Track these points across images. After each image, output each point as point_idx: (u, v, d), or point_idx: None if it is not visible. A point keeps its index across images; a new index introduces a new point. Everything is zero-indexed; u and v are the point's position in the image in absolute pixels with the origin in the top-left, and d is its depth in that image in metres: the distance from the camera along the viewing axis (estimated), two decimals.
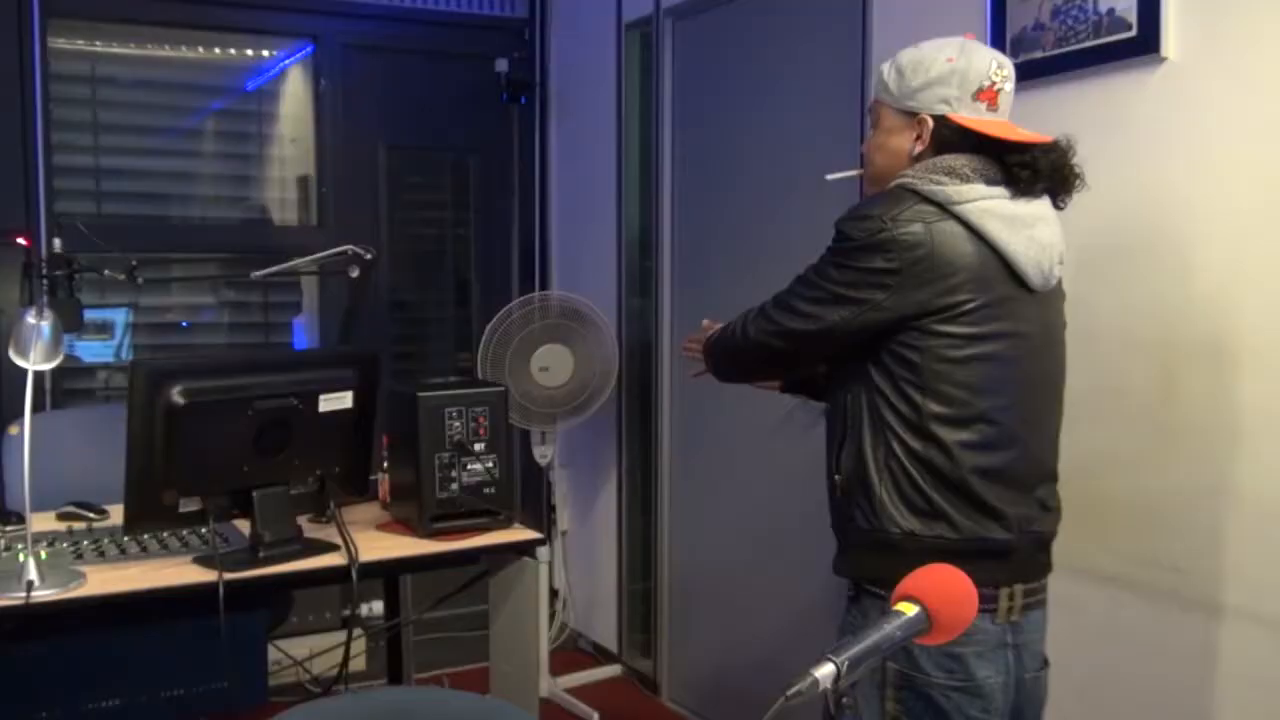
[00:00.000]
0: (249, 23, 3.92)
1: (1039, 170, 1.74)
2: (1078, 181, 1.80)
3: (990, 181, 1.73)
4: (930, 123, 1.77)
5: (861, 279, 1.71)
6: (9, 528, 2.40)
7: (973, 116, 1.75)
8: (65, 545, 2.24)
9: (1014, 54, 2.40)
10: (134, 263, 2.42)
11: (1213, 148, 2.06)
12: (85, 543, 2.26)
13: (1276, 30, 1.95)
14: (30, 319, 2.05)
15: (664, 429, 3.75)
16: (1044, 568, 1.84)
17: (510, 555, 2.35)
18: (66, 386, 3.71)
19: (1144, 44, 2.15)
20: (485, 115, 4.19)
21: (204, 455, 2.08)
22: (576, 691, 3.81)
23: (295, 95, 4.20)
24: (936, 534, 1.70)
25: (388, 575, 2.20)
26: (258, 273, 2.36)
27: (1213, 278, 2.07)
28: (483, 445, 2.33)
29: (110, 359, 3.87)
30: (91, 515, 2.47)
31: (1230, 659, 2.06)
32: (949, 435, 1.70)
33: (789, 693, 1.06)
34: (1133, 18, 2.17)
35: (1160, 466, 2.15)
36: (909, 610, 1.17)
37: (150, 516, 2.08)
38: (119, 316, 3.88)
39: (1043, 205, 1.79)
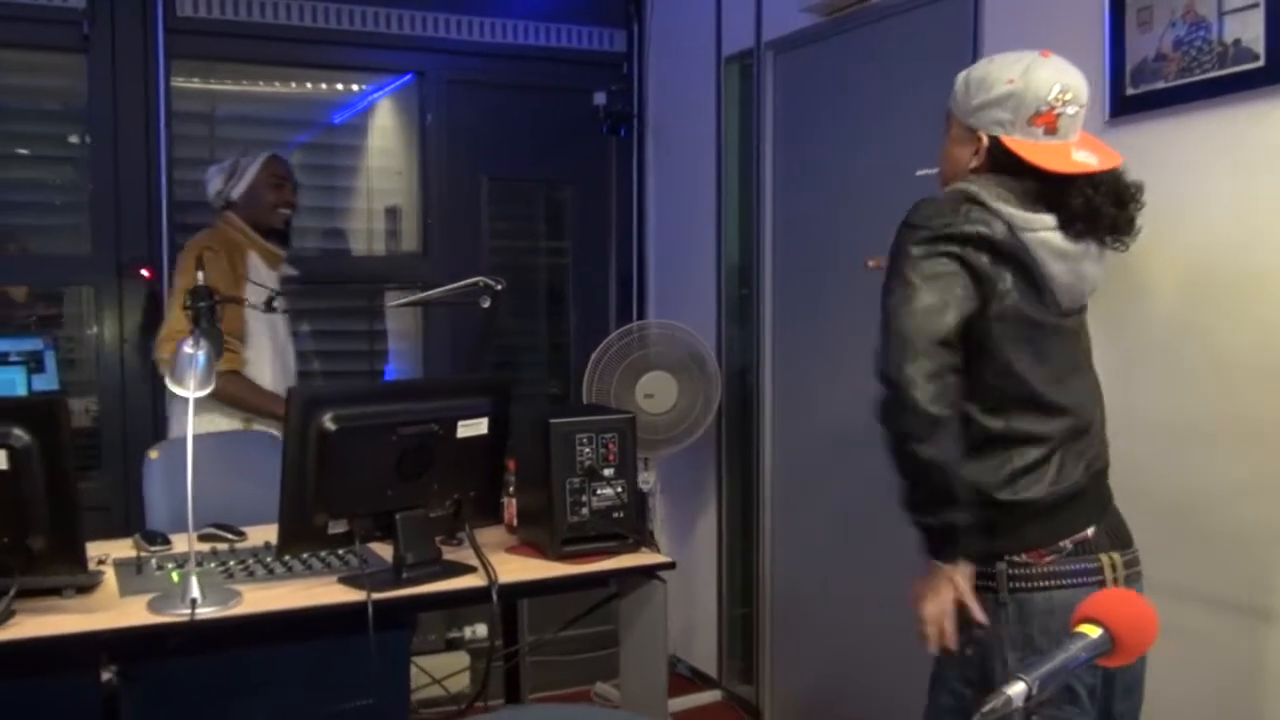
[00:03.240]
0: (358, 60, 4.06)
1: (1079, 217, 1.82)
2: (1128, 231, 1.87)
3: (1049, 207, 1.81)
4: (985, 141, 1.85)
5: (944, 267, 1.78)
6: (155, 547, 2.50)
7: (1026, 140, 1.82)
8: (213, 565, 2.33)
9: (1134, 85, 2.42)
10: (271, 293, 2.52)
11: None
12: (232, 563, 2.35)
13: None
14: (188, 349, 2.14)
15: (765, 455, 3.78)
16: (1121, 520, 1.92)
17: (640, 578, 2.40)
18: None
19: (1273, 74, 2.16)
20: (585, 147, 4.29)
21: (352, 479, 2.16)
22: (677, 716, 3.84)
23: (383, 127, 4.33)
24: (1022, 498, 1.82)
25: (524, 597, 2.26)
26: (393, 303, 2.44)
27: None
28: (612, 470, 2.39)
29: None
30: (231, 536, 2.57)
31: None
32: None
33: (984, 710, 1.11)
34: (1260, 48, 2.18)
35: None
36: (1093, 632, 1.20)
37: (302, 537, 2.16)
38: None
39: (1092, 245, 1.87)
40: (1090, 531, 1.85)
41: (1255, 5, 2.18)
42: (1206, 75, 2.28)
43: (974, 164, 1.87)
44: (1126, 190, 1.85)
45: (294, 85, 4.20)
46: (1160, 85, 2.38)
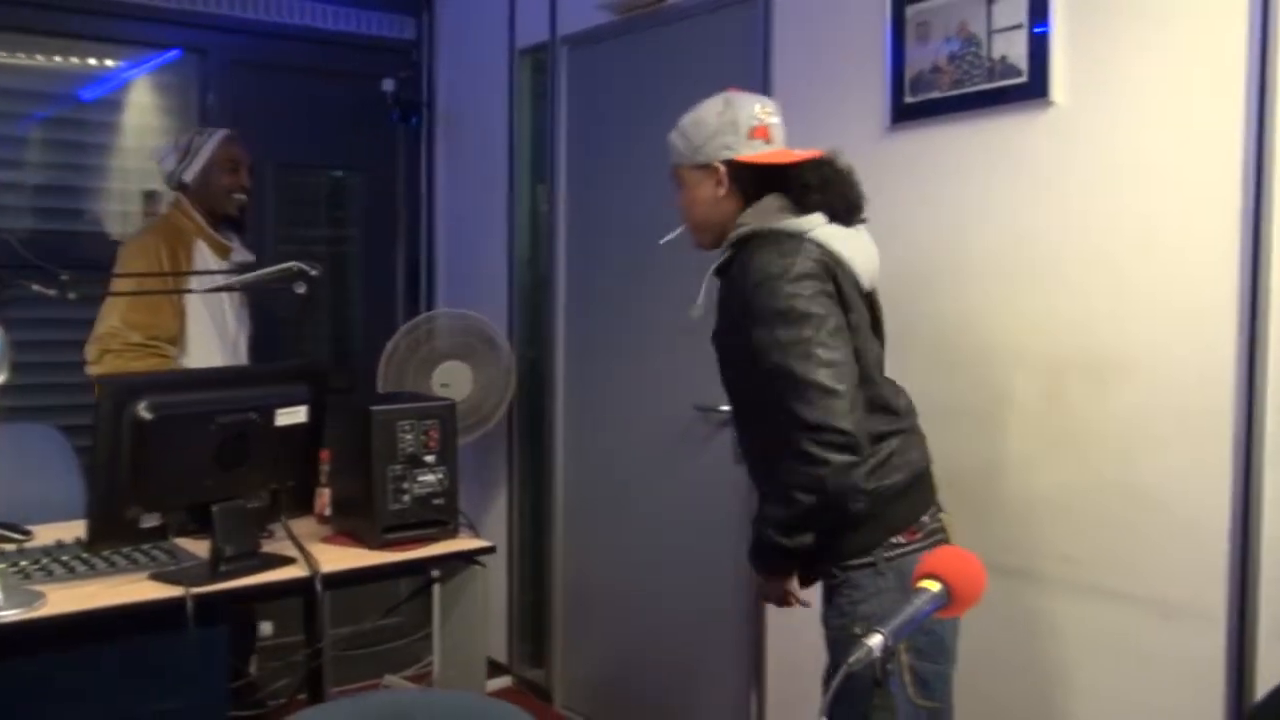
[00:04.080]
0: (132, 34, 3.85)
1: (815, 189, 2.04)
2: (860, 205, 2.10)
3: (807, 209, 2.04)
4: (722, 168, 2.09)
5: (814, 302, 1.93)
6: None
7: (753, 153, 2.08)
8: (4, 566, 2.19)
9: (913, 93, 2.64)
10: (64, 277, 2.39)
11: (1095, 184, 2.32)
12: (24, 563, 2.21)
13: (1153, 78, 2.22)
14: None
15: (557, 443, 3.85)
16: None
17: (459, 564, 2.43)
18: None
19: (1034, 89, 2.40)
20: (373, 135, 4.22)
21: (168, 470, 2.09)
22: None
23: (143, 104, 4.12)
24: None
25: (346, 586, 2.25)
26: (206, 287, 2.36)
27: (1093, 300, 2.32)
28: (434, 457, 2.41)
29: None
30: (18, 536, 2.42)
31: (1114, 636, 2.30)
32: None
33: (850, 661, 1.23)
34: (1023, 64, 2.43)
35: (1048, 468, 2.40)
36: (933, 587, 1.34)
37: (113, 532, 2.07)
38: None
39: (859, 229, 2.11)
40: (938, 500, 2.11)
41: (1019, 26, 2.43)
42: (977, 88, 2.51)
43: (721, 191, 2.09)
44: (844, 170, 2.09)
45: (40, 57, 3.91)
46: (936, 94, 2.60)
